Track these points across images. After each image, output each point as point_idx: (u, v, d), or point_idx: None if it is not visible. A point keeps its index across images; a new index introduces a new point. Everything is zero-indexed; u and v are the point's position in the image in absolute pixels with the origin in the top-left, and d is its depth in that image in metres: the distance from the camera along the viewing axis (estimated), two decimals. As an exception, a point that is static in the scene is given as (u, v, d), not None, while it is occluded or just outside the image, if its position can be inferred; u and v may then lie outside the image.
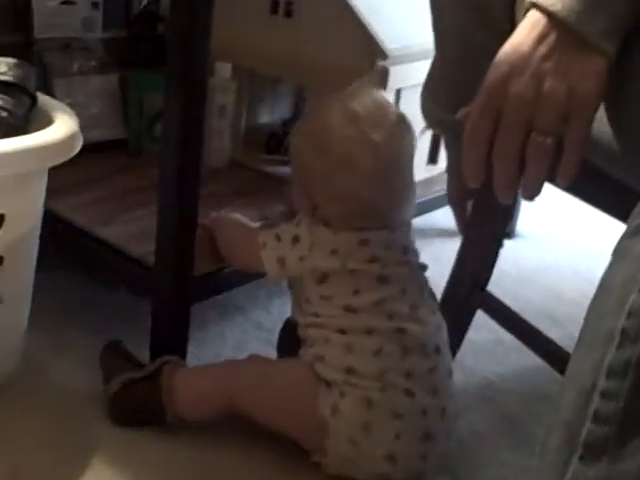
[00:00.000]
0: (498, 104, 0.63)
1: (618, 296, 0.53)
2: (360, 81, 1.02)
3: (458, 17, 0.94)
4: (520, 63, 0.62)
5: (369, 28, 1.29)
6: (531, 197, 0.66)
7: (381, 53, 1.29)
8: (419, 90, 1.06)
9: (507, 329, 1.12)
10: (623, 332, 0.51)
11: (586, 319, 0.57)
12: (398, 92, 1.38)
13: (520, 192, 0.67)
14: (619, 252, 0.55)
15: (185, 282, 1.08)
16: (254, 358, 1.01)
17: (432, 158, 1.58)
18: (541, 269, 1.63)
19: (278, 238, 0.98)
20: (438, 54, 1.02)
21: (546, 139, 0.61)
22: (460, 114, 0.71)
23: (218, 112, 1.49)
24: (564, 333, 1.30)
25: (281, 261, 0.97)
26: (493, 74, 0.64)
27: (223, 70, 1.46)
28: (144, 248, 1.12)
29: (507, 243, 1.42)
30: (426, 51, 1.05)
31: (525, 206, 1.70)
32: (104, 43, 1.54)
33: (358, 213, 0.95)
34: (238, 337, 1.26)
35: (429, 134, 1.57)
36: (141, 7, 1.58)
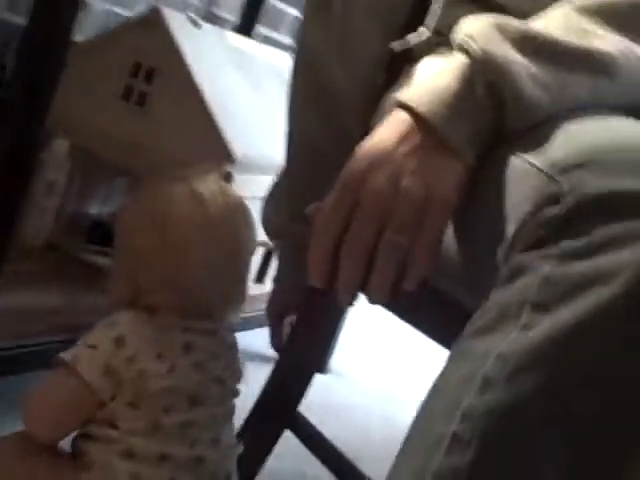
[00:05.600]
0: (354, 196, 0.61)
1: (452, 398, 0.49)
2: (206, 166, 0.95)
3: (313, 129, 0.95)
4: (380, 158, 0.61)
5: (221, 130, 1.28)
6: (377, 300, 0.62)
7: (229, 157, 1.27)
8: (259, 204, 1.03)
9: (316, 455, 1.07)
10: (454, 436, 0.48)
11: (412, 426, 0.53)
12: (239, 201, 1.36)
13: (366, 296, 0.64)
14: (457, 353, 0.52)
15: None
16: None
17: (259, 277, 1.55)
18: (350, 408, 1.60)
19: (94, 347, 0.79)
20: (287, 164, 1.01)
21: (398, 237, 0.59)
22: (311, 208, 0.68)
23: (46, 189, 1.40)
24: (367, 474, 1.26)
25: (108, 369, 0.78)
26: (352, 167, 0.62)
27: (59, 146, 1.39)
28: None
29: (319, 377, 1.38)
30: (274, 167, 1.03)
31: (341, 343, 1.69)
32: None
33: (187, 301, 0.84)
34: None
35: (260, 253, 1.55)
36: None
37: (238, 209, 0.88)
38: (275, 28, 2.19)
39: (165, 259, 0.82)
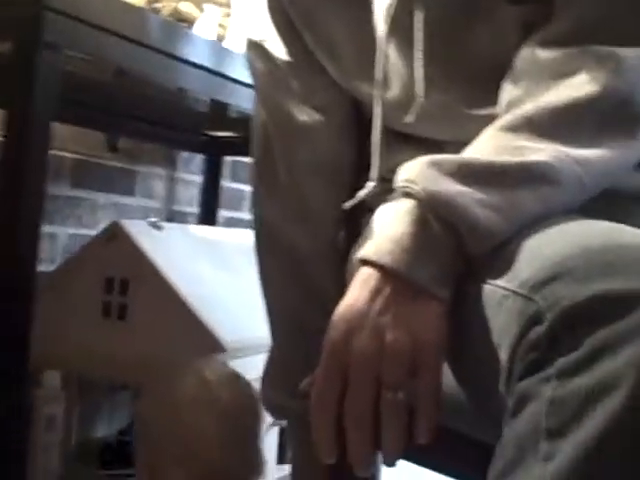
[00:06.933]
0: (342, 364, 0.60)
1: None
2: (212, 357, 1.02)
3: (289, 300, 0.94)
4: (358, 319, 0.60)
5: (204, 322, 1.28)
6: (392, 461, 0.60)
7: (218, 347, 1.26)
8: (258, 385, 1.02)
9: None
10: None
11: None
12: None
13: (380, 459, 0.61)
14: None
15: None
16: None
17: (281, 458, 1.50)
18: None
19: None
20: (273, 340, 1.00)
21: (397, 394, 0.58)
22: (304, 383, 0.67)
23: (45, 425, 1.37)
24: None
25: None
26: (332, 334, 0.61)
27: (51, 379, 1.38)
28: None
29: None
30: (264, 345, 1.02)
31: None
32: None
33: (209, 473, 0.97)
34: None
35: (277, 433, 1.51)
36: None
37: (241, 387, 0.96)
38: (236, 208, 2.24)
39: (181, 438, 0.97)
